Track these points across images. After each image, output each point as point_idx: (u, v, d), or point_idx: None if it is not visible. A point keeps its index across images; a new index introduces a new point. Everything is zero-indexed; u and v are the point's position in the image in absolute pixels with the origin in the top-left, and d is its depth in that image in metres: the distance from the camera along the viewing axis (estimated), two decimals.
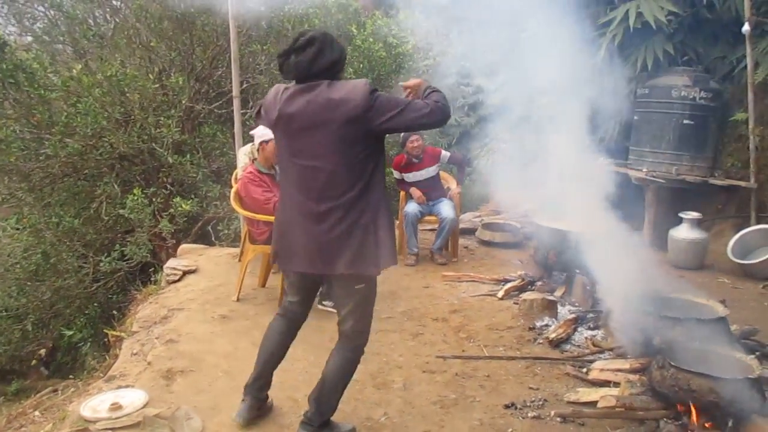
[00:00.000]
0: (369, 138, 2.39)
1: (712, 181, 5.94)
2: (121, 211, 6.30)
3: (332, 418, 2.69)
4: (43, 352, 6.27)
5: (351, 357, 2.63)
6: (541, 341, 3.88)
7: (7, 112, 6.41)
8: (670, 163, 5.99)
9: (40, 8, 7.16)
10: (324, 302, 4.33)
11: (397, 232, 6.29)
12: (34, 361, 6.32)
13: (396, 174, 5.74)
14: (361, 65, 7.83)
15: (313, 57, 2.37)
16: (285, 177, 2.60)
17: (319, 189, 2.43)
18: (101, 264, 6.31)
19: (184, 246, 5.97)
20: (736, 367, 2.83)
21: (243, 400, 2.80)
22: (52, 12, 7.07)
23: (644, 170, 6.02)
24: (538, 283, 4.87)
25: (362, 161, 2.40)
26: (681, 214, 5.57)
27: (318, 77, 2.40)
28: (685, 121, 5.94)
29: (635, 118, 6.37)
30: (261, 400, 2.82)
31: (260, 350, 2.80)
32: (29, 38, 7.44)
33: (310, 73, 2.40)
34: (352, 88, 2.35)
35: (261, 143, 4.40)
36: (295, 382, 3.26)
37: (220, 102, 7.43)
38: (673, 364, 2.79)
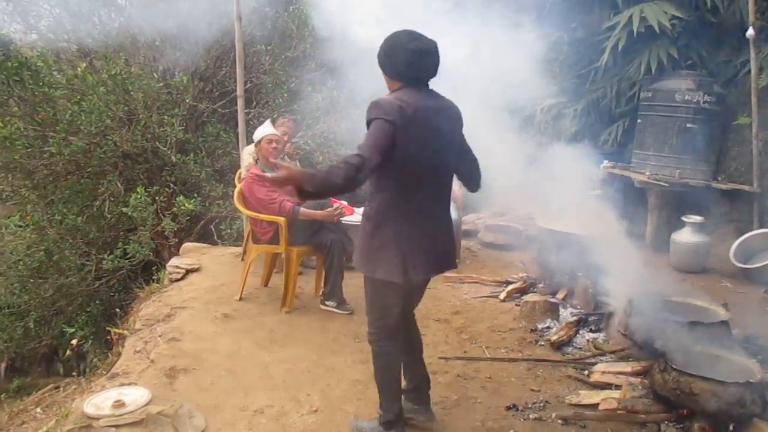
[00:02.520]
0: None
1: (715, 184, 5.93)
2: (124, 210, 6.33)
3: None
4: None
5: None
6: (542, 343, 3.89)
7: (12, 110, 6.44)
8: (673, 167, 5.98)
9: (45, 6, 7.16)
10: (327, 302, 4.34)
11: None
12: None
13: None
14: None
15: None
16: None
17: None
18: (104, 262, 6.33)
19: (186, 245, 5.99)
20: (738, 371, 2.84)
21: None
22: (57, 10, 7.08)
23: (647, 173, 6.01)
24: (540, 285, 4.87)
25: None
26: (683, 218, 5.56)
27: None
28: (689, 125, 5.93)
29: (638, 121, 6.36)
30: None
31: None
32: (34, 36, 7.45)
33: None
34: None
35: (256, 143, 4.43)
36: (297, 382, 3.27)
37: (224, 101, 7.44)
38: (674, 367, 2.79)
